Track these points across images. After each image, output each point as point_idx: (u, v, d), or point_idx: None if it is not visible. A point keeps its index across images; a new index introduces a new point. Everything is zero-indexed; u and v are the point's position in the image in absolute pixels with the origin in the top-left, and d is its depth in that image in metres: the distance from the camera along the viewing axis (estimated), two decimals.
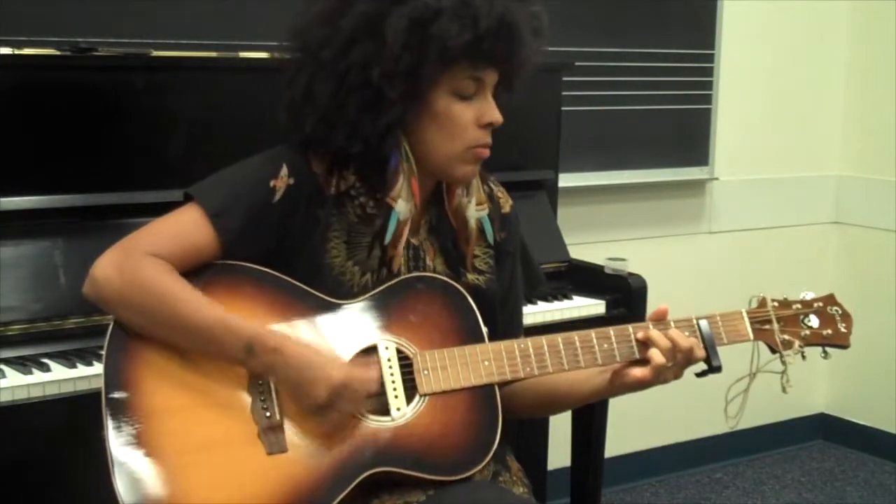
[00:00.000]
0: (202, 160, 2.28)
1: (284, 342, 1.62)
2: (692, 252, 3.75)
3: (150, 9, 2.57)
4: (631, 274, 2.75)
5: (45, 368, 1.97)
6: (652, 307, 2.83)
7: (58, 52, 2.27)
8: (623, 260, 2.78)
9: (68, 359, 2.01)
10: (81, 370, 1.98)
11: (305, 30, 1.73)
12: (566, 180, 3.14)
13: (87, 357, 2.01)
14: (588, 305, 2.68)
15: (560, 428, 2.93)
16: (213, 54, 2.55)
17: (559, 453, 3.02)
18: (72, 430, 1.94)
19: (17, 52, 2.21)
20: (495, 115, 1.73)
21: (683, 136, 3.63)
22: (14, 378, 1.93)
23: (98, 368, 1.95)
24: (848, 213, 4.05)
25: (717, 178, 3.72)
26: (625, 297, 2.72)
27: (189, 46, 2.58)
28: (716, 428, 3.83)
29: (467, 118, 1.71)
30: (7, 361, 1.99)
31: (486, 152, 1.75)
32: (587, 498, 2.82)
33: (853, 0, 3.95)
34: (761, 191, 3.89)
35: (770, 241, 3.92)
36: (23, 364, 1.98)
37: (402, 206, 1.73)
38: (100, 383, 1.61)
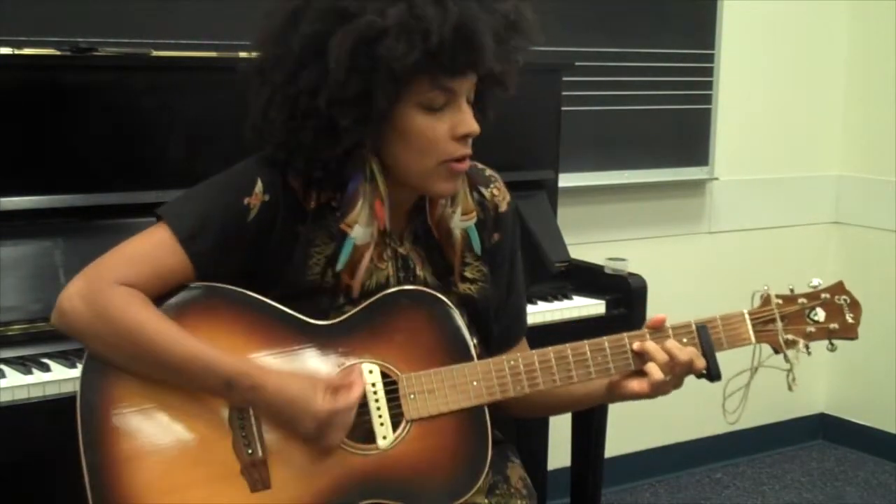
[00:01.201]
0: (202, 160, 2.29)
1: (264, 378, 1.56)
2: (692, 252, 3.75)
3: (150, 9, 2.57)
4: (631, 274, 2.75)
5: (45, 368, 1.97)
6: (652, 307, 2.83)
7: (58, 52, 2.26)
8: (623, 260, 2.78)
9: (68, 359, 2.01)
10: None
11: (262, 46, 1.64)
12: (566, 180, 3.14)
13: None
14: (588, 305, 2.68)
15: (560, 428, 2.93)
16: (213, 54, 2.55)
17: (559, 453, 3.02)
18: (72, 430, 1.93)
19: (17, 52, 2.21)
20: (471, 126, 1.60)
21: (683, 136, 3.63)
22: (14, 378, 1.93)
23: None
24: (848, 213, 4.05)
25: (717, 178, 3.72)
26: (625, 297, 2.72)
27: (189, 46, 2.58)
28: (716, 428, 3.83)
29: (439, 132, 1.59)
30: (7, 361, 1.99)
31: (464, 166, 1.63)
32: (587, 498, 2.82)
33: (853, 0, 3.95)
34: (761, 191, 3.89)
35: (770, 241, 3.91)
36: (23, 364, 1.98)
37: (361, 232, 1.63)
38: None
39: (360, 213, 1.63)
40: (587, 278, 2.79)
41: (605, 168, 3.42)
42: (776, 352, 1.75)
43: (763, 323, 1.74)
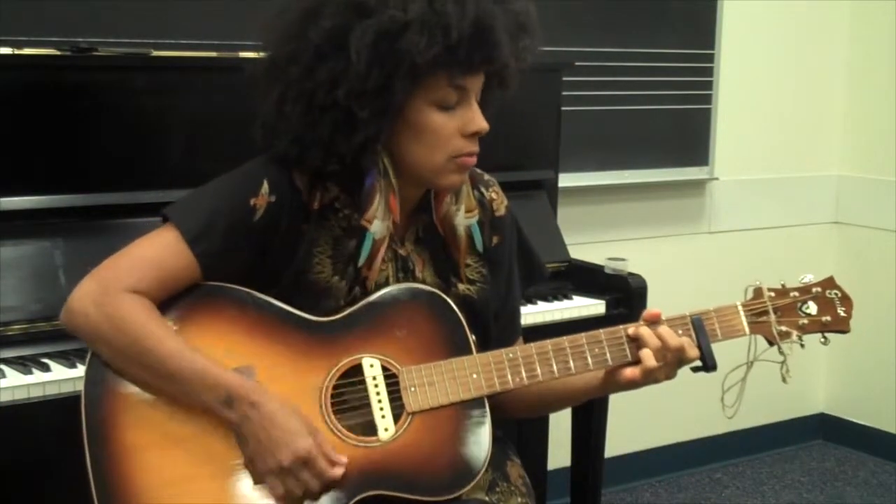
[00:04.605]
0: (202, 160, 2.29)
1: (263, 399, 1.57)
2: (692, 252, 3.75)
3: (150, 9, 2.57)
4: (631, 274, 2.75)
5: (45, 368, 1.98)
6: (652, 307, 2.83)
7: (58, 52, 2.27)
8: (623, 260, 2.78)
9: (68, 359, 2.01)
10: (81, 370, 1.95)
11: (274, 43, 1.66)
12: (566, 180, 3.14)
13: (86, 357, 2.01)
14: (588, 305, 2.68)
15: (560, 428, 2.93)
16: (213, 54, 2.55)
17: (559, 453, 3.02)
18: (72, 430, 1.93)
19: (17, 52, 2.21)
20: (480, 124, 1.65)
21: (683, 136, 3.63)
22: (14, 378, 1.93)
23: None
24: (848, 213, 4.05)
25: (717, 178, 3.72)
26: (625, 297, 2.72)
27: (189, 46, 2.58)
28: (715, 428, 3.83)
29: (450, 129, 1.64)
30: (7, 361, 2.00)
31: (472, 160, 1.68)
32: (587, 498, 2.82)
33: (853, 0, 3.95)
34: (761, 191, 3.89)
35: (770, 241, 3.91)
36: (23, 364, 1.98)
37: (378, 226, 1.67)
38: None
39: (378, 207, 1.66)
40: (587, 278, 2.79)
41: (605, 168, 3.43)
42: (770, 344, 1.76)
43: (756, 315, 1.76)
